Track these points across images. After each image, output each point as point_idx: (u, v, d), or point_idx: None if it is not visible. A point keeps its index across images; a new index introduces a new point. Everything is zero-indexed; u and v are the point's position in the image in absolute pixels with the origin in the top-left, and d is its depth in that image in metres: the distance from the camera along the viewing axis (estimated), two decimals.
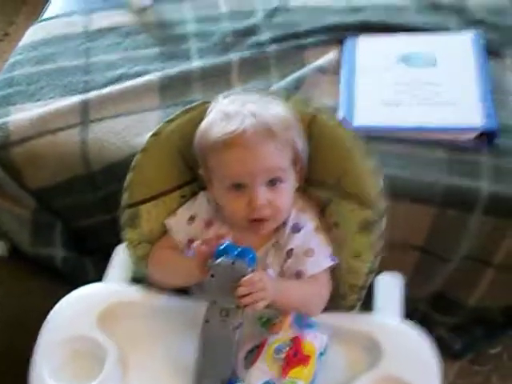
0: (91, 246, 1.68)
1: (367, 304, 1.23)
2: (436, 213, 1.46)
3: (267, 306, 1.06)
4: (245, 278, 1.04)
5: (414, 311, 1.59)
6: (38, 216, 1.60)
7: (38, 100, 1.65)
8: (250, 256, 1.07)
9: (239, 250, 1.07)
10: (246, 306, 1.04)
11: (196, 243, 1.12)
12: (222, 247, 1.07)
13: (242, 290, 1.03)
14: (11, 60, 1.81)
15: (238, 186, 1.11)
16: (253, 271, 1.06)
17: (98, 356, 1.11)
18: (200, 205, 1.23)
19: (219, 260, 1.05)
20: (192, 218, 1.22)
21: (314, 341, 1.08)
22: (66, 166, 1.55)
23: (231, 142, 1.08)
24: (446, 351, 1.59)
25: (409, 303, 1.22)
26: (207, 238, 1.12)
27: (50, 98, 1.65)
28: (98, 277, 1.28)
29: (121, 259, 1.30)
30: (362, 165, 1.18)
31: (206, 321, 1.06)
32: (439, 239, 1.50)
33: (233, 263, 1.05)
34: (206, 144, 1.12)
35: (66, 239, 1.64)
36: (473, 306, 1.62)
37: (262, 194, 1.10)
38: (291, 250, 1.17)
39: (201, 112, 1.19)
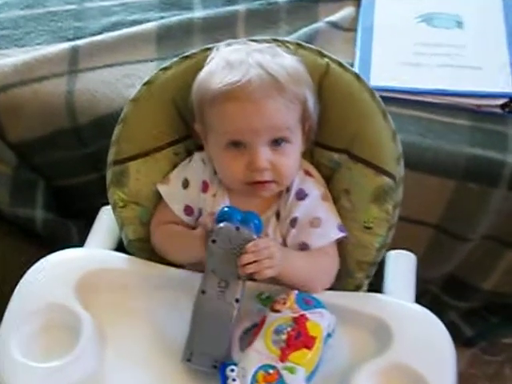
0: (76, 208, 1.62)
1: (375, 284, 1.17)
2: (455, 186, 1.38)
3: (269, 279, 1.01)
4: (250, 244, 0.97)
5: (423, 293, 1.53)
6: (18, 173, 1.52)
7: (24, 46, 1.57)
8: (256, 222, 1.01)
9: (243, 214, 1.00)
10: (249, 275, 0.98)
11: (202, 217, 1.07)
12: (224, 210, 1.01)
13: (246, 257, 0.97)
14: None
15: (238, 145, 1.04)
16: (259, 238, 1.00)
17: (74, 328, 1.02)
18: (195, 166, 1.15)
19: (221, 225, 0.99)
20: (186, 182, 1.15)
21: (320, 321, 1.00)
22: (50, 118, 1.47)
23: (233, 94, 1.00)
24: (457, 338, 1.47)
25: (419, 284, 1.17)
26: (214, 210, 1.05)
27: (37, 43, 1.58)
28: (83, 242, 1.22)
29: (105, 222, 1.24)
30: (380, 125, 1.11)
31: (202, 291, 0.99)
32: (457, 216, 1.43)
33: (237, 228, 0.98)
34: (204, 95, 1.04)
35: (48, 199, 1.57)
36: (488, 291, 1.55)
37: (265, 155, 1.03)
38: (295, 218, 1.10)
39: (200, 60, 1.12)
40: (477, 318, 1.62)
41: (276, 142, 1.04)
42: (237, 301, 0.98)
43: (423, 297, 1.48)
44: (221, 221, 0.99)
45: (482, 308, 1.61)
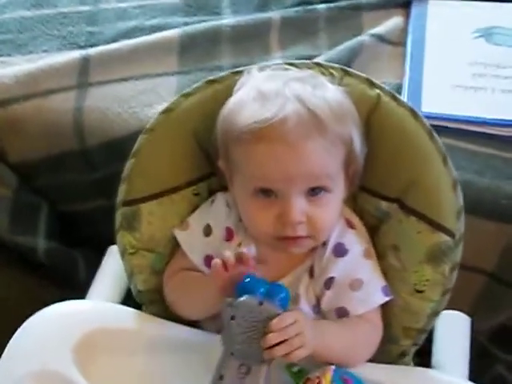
0: (83, 236, 1.54)
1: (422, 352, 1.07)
2: None
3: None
4: (275, 321, 0.87)
5: (471, 343, 1.34)
6: (19, 196, 1.44)
7: (30, 52, 1.49)
8: (282, 295, 0.90)
9: (267, 286, 0.90)
10: (272, 358, 0.87)
11: (214, 261, 0.94)
12: (246, 282, 0.90)
13: (272, 337, 0.86)
14: (2, 0, 1.64)
15: (268, 193, 0.93)
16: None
17: None
18: (218, 210, 1.05)
19: (242, 299, 0.88)
20: (209, 228, 1.04)
21: None
22: (55, 138, 1.39)
23: (265, 134, 0.89)
24: None
25: None
26: (227, 253, 0.94)
27: (44, 51, 1.49)
28: (90, 274, 1.18)
29: (113, 266, 1.15)
30: (439, 172, 1.00)
31: (220, 377, 0.89)
32: None
33: (260, 303, 0.88)
34: (231, 130, 0.94)
35: (52, 226, 1.48)
36: None
37: (300, 207, 0.92)
38: (332, 278, 0.99)
39: (228, 86, 1.02)
40: None
41: (313, 192, 0.93)
42: None
43: (470, 347, 1.40)
44: (242, 293, 0.90)
45: None
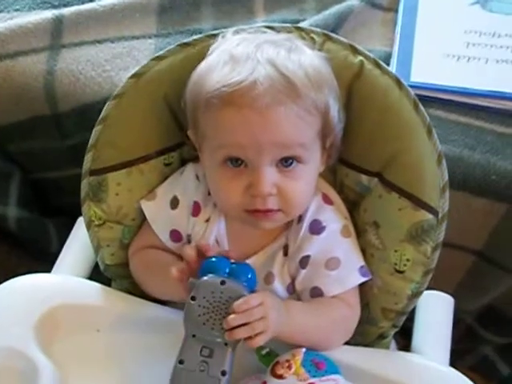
0: (55, 205, 1.53)
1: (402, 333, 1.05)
2: (505, 211, 1.24)
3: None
4: (239, 301, 0.83)
5: (457, 323, 1.34)
6: None
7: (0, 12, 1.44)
8: (249, 276, 0.87)
9: (233, 266, 0.87)
10: (237, 341, 0.84)
11: (174, 269, 0.90)
12: (210, 261, 0.87)
13: (233, 319, 0.83)
14: None
15: (237, 162, 0.90)
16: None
17: (30, 377, 0.91)
18: (186, 181, 1.02)
19: (204, 278, 0.85)
20: (176, 201, 1.02)
21: None
22: (25, 103, 1.35)
23: (233, 98, 0.85)
24: (491, 375, 1.51)
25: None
26: (187, 250, 0.91)
27: (16, 10, 1.44)
28: (63, 245, 1.15)
29: (82, 238, 1.10)
30: (424, 145, 0.96)
31: (180, 361, 0.85)
32: (504, 244, 1.29)
33: (222, 283, 0.84)
34: (199, 96, 0.90)
35: (24, 195, 1.46)
36: None
37: (270, 177, 0.88)
38: (307, 256, 0.96)
39: (202, 50, 0.97)
40: None
41: (285, 162, 0.89)
42: (223, 373, 0.84)
43: (455, 328, 1.39)
44: (206, 272, 0.86)
45: None
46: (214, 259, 0.87)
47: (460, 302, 1.16)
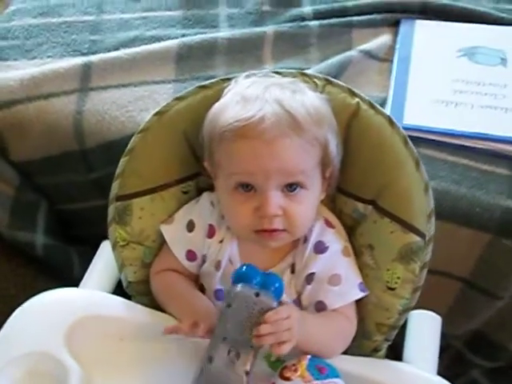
0: (79, 234, 1.55)
1: (394, 347, 1.09)
2: (488, 241, 1.28)
3: None
4: (271, 313, 0.89)
5: (446, 348, 1.46)
6: (20, 193, 1.44)
7: (34, 58, 1.49)
8: (277, 285, 0.92)
9: (263, 276, 0.92)
10: (260, 346, 0.90)
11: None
12: (242, 271, 0.93)
13: (264, 328, 0.88)
14: (11, 8, 1.63)
15: (247, 187, 0.96)
16: (279, 305, 0.92)
17: (60, 379, 0.95)
18: (202, 207, 1.08)
19: (239, 289, 0.91)
20: (192, 225, 1.07)
21: None
22: (56, 139, 1.39)
23: (245, 132, 0.93)
24: None
25: (442, 339, 1.11)
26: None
27: (48, 56, 1.49)
28: (85, 271, 1.19)
29: (105, 259, 1.17)
30: (412, 176, 1.03)
31: (209, 359, 0.90)
32: (488, 272, 1.33)
33: (257, 294, 0.90)
34: (215, 130, 0.97)
35: (50, 223, 1.49)
36: None
37: (276, 200, 0.95)
38: (312, 274, 1.02)
39: (217, 91, 1.05)
40: (503, 378, 1.52)
41: (290, 187, 0.96)
42: (247, 373, 0.89)
43: (445, 353, 1.44)
44: (237, 281, 0.91)
45: (509, 367, 1.50)
46: (244, 268, 0.92)
47: (449, 327, 1.21)
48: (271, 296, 0.90)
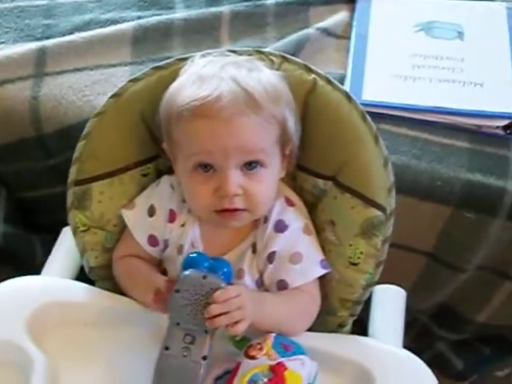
0: (41, 222, 1.53)
1: (360, 321, 1.10)
2: (450, 214, 1.30)
3: None
4: (218, 293, 0.89)
5: (412, 322, 1.49)
6: None
7: None
8: (225, 270, 0.93)
9: (211, 261, 0.93)
10: (215, 329, 0.90)
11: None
12: (190, 257, 0.94)
13: (214, 308, 0.89)
14: None
15: (206, 167, 0.95)
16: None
17: (24, 368, 0.95)
18: (162, 191, 1.07)
19: (186, 273, 0.91)
20: (152, 209, 1.07)
21: (300, 369, 0.92)
22: (12, 126, 1.38)
23: (201, 110, 0.92)
24: (447, 371, 1.55)
25: (408, 313, 1.12)
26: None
27: (1, 42, 1.47)
28: (47, 259, 1.17)
29: (67, 245, 1.16)
30: (371, 151, 1.03)
31: (166, 347, 0.91)
32: (451, 245, 1.34)
33: (204, 277, 0.90)
34: (172, 111, 0.96)
35: (10, 212, 1.47)
36: (482, 323, 1.47)
37: (236, 179, 0.94)
38: (273, 252, 1.02)
39: (173, 72, 1.04)
40: (468, 349, 1.55)
41: (249, 166, 0.95)
42: (204, 358, 0.89)
43: (411, 327, 1.45)
44: (186, 268, 0.92)
45: (474, 340, 1.54)
46: (194, 254, 0.93)
47: (414, 301, 1.22)
48: (220, 278, 0.91)
